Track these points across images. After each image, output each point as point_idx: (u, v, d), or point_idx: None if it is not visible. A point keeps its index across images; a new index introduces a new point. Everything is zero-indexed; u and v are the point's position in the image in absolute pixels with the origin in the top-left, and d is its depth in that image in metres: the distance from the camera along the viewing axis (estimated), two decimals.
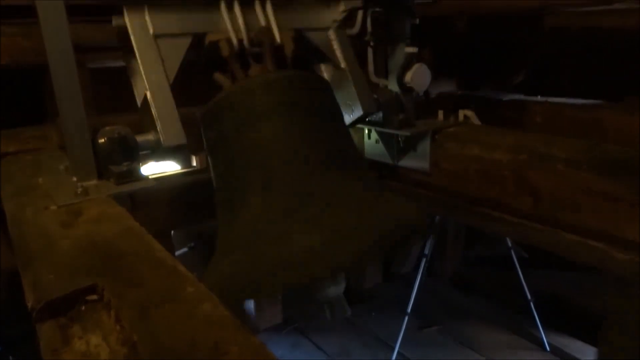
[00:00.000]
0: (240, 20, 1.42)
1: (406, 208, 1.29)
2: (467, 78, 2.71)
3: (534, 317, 3.55)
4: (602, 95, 2.25)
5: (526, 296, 3.54)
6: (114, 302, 0.69)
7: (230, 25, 1.41)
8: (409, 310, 3.52)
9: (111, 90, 2.26)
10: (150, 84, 1.30)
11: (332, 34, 1.62)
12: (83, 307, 0.71)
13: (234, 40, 1.41)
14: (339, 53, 1.63)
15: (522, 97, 2.39)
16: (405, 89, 1.80)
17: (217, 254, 1.26)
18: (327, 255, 1.08)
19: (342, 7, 1.62)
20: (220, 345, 0.59)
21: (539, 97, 2.36)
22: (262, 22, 1.45)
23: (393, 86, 1.82)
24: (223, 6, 1.40)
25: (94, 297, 0.72)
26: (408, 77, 1.77)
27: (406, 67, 1.77)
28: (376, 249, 1.18)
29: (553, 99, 2.29)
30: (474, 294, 4.25)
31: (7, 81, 1.93)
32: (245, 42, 1.42)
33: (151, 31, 1.32)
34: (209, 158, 1.40)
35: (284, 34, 1.45)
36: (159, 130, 1.28)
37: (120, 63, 2.12)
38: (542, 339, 3.57)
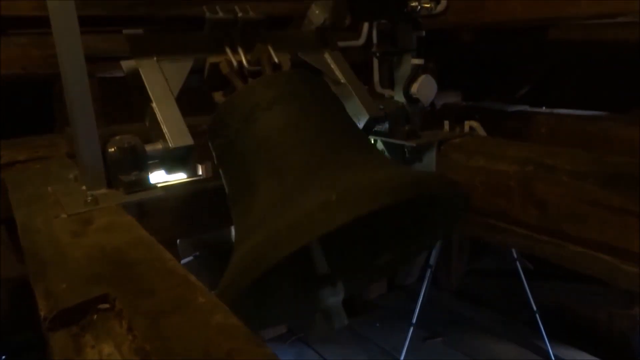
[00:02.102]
0: (241, 51, 1.49)
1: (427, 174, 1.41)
2: (472, 89, 2.72)
3: (540, 328, 3.52)
4: (607, 107, 2.26)
5: (532, 308, 3.52)
6: (125, 311, 0.70)
7: (231, 53, 1.48)
8: (414, 321, 3.51)
9: (119, 100, 2.28)
10: (155, 96, 1.33)
11: (328, 57, 1.67)
12: (95, 316, 0.72)
13: (234, 62, 1.45)
14: (337, 71, 1.66)
15: (527, 108, 2.40)
16: (411, 100, 1.81)
17: (236, 242, 1.26)
18: (345, 204, 1.04)
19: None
20: (233, 354, 0.59)
21: (543, 108, 2.36)
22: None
23: (399, 97, 1.83)
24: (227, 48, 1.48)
25: (106, 306, 0.73)
26: (414, 88, 1.78)
27: (412, 78, 1.79)
28: (395, 196, 1.10)
29: (558, 110, 2.30)
30: (479, 306, 4.23)
31: (17, 90, 1.95)
32: (245, 63, 1.46)
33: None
34: (219, 168, 1.41)
35: (280, 55, 1.50)
36: (165, 134, 1.29)
37: None
38: (548, 351, 3.54)
